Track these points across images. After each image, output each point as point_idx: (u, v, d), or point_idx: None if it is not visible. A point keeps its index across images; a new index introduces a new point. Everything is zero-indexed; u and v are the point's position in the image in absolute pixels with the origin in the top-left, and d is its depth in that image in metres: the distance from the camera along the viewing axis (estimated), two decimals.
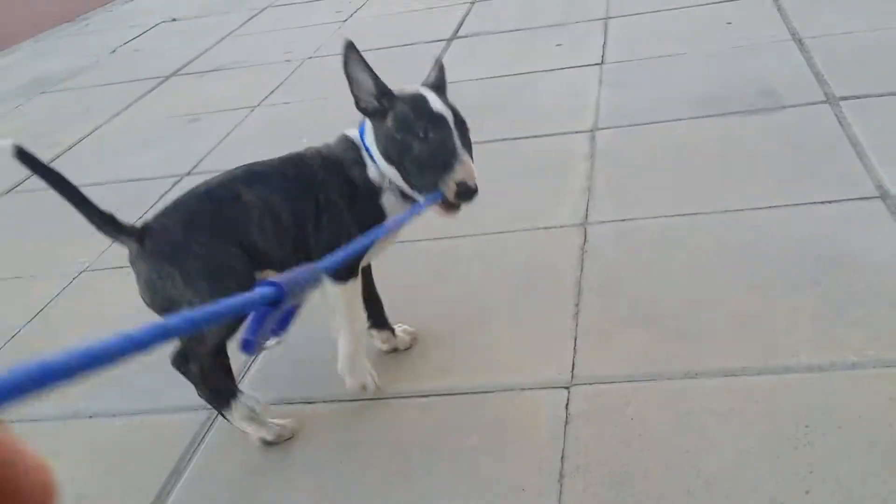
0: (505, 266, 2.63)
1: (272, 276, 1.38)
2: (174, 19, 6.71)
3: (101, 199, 3.69)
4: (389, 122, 1.86)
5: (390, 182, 1.94)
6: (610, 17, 4.73)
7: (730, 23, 4.29)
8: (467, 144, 1.86)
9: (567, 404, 2.00)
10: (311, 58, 5.07)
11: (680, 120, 3.36)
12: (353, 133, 2.01)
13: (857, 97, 3.19)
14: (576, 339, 2.22)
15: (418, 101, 1.85)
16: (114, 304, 2.86)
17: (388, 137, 1.88)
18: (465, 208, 1.83)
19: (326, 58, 5.02)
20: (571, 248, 2.64)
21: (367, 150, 1.95)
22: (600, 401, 1.99)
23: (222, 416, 2.05)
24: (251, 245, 1.93)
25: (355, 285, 2.02)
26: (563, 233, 2.74)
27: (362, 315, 2.10)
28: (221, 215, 1.94)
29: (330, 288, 1.97)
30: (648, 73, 3.87)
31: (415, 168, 1.84)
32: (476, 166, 1.83)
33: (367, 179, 1.95)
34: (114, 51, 6.12)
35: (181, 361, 2.00)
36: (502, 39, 4.78)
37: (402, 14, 5.67)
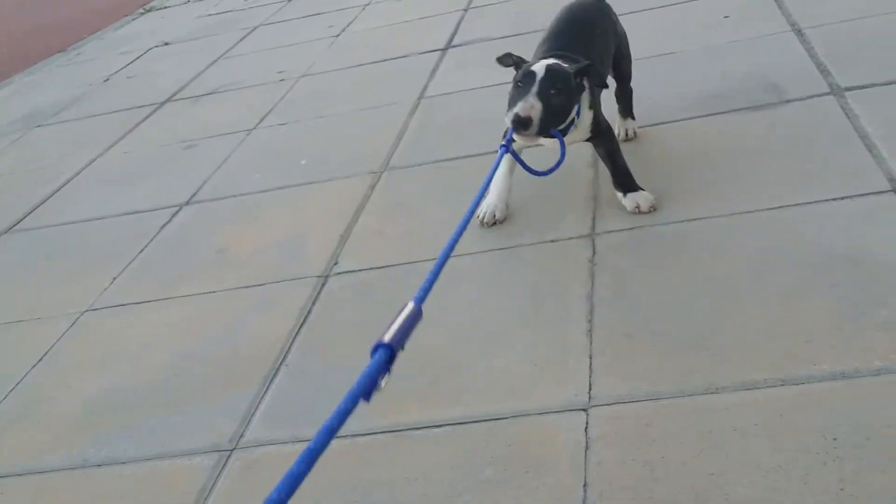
0: (512, 284, 2.57)
1: None
2: (166, 43, 6.68)
3: (101, 235, 3.65)
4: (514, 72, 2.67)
5: None
6: None
7: (727, 16, 4.22)
8: (547, 93, 2.49)
9: (586, 428, 1.94)
10: (305, 76, 5.02)
11: (682, 120, 3.30)
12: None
13: (863, 87, 3.12)
14: (591, 358, 2.16)
15: (527, 66, 2.59)
16: (118, 343, 2.82)
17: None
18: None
19: (321, 75, 4.98)
20: (580, 261, 2.58)
21: None
22: (620, 423, 1.93)
23: None
24: None
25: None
26: (570, 245, 2.68)
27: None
28: None
29: None
30: (647, 72, 3.80)
31: (509, 103, 2.55)
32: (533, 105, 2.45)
33: None
34: (107, 79, 6.09)
35: None
36: (498, 46, 4.71)
37: (395, 26, 5.62)
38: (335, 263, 2.92)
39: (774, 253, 2.36)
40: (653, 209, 2.72)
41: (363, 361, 2.33)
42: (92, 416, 2.48)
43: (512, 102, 2.53)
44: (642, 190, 2.76)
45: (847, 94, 3.10)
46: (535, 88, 2.48)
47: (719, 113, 3.25)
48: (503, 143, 2.53)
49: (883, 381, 1.84)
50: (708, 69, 3.67)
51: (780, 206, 2.56)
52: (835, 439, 1.73)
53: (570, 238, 2.71)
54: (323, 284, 2.82)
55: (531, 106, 2.46)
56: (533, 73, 2.52)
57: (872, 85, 3.12)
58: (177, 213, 3.61)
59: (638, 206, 2.73)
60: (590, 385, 2.07)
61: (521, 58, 2.68)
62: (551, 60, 2.59)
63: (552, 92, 2.50)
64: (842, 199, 2.52)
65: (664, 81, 3.67)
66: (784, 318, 2.11)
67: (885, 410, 1.77)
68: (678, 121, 3.29)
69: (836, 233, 2.38)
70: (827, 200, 2.53)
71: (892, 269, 2.18)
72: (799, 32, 3.75)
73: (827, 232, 2.39)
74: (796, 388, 1.88)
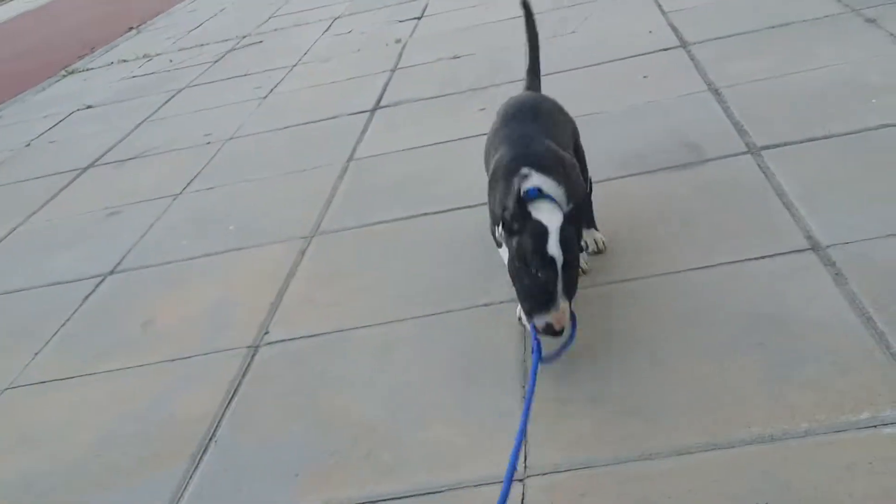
0: (446, 350, 2.56)
1: None
2: (89, 106, 6.57)
3: (22, 307, 3.53)
4: (514, 245, 2.23)
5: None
6: None
7: (646, 76, 4.35)
8: (570, 285, 2.19)
9: (523, 499, 1.93)
10: (232, 138, 4.98)
11: (607, 180, 3.35)
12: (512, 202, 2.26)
13: (778, 146, 3.23)
14: (526, 426, 2.15)
15: (539, 238, 2.16)
16: (38, 423, 2.71)
17: (511, 255, 2.27)
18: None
19: (249, 137, 4.95)
20: (513, 325, 2.58)
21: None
22: (556, 493, 1.92)
23: None
24: None
25: None
26: (502, 309, 2.68)
27: None
28: None
29: None
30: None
31: (520, 292, 2.24)
32: (566, 307, 2.18)
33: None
34: (28, 144, 5.95)
35: None
36: (427, 106, 4.77)
37: (324, 86, 5.64)
38: (265, 333, 2.87)
39: (702, 313, 2.40)
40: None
41: (295, 436, 2.30)
42: (7, 502, 2.37)
43: (531, 298, 2.17)
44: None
45: (763, 152, 3.21)
46: (560, 286, 2.14)
47: (643, 173, 3.32)
48: (534, 349, 2.18)
49: (810, 442, 1.87)
50: (631, 129, 3.76)
51: (705, 266, 2.61)
52: (767, 503, 1.75)
53: (501, 302, 2.72)
54: (253, 355, 2.77)
55: (562, 313, 2.15)
56: (553, 261, 2.13)
57: (787, 143, 3.23)
58: (100, 283, 3.51)
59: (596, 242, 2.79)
60: (525, 454, 2.05)
61: (522, 215, 2.20)
62: (556, 220, 2.19)
63: (571, 270, 2.20)
64: (763, 258, 2.58)
65: (589, 141, 3.73)
66: (714, 379, 2.14)
67: (814, 473, 1.79)
68: (604, 181, 3.34)
69: (760, 291, 2.44)
70: (749, 260, 2.59)
71: (813, 326, 2.23)
72: (716, 92, 3.89)
73: (751, 291, 2.45)
74: (728, 453, 1.90)
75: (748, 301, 2.40)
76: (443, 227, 3.31)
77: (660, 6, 5.49)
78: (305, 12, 8.31)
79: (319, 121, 4.91)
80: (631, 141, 3.64)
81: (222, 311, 3.08)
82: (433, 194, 3.60)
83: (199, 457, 2.36)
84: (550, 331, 2.15)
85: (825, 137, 3.21)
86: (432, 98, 4.85)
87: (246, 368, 2.70)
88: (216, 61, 7.12)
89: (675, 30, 4.95)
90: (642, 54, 4.69)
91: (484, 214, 3.29)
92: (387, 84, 5.32)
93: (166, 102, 6.15)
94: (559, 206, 2.27)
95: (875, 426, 1.87)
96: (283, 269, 3.25)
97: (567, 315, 2.18)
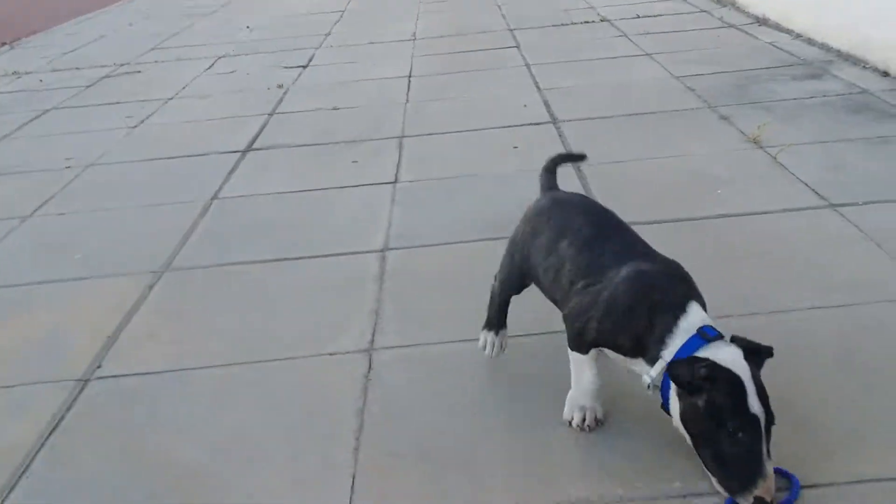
0: (284, 396, 2.51)
1: None
2: None
3: None
4: (701, 402, 1.80)
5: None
6: (405, 136, 4.84)
7: (516, 147, 4.50)
8: (769, 444, 1.80)
9: None
10: (93, 165, 4.81)
11: (471, 241, 3.42)
12: (680, 339, 1.89)
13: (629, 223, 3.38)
14: (354, 477, 2.13)
15: (736, 392, 1.77)
16: None
17: (693, 411, 1.83)
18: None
19: (111, 165, 4.79)
20: (356, 376, 2.57)
21: (665, 381, 1.90)
22: None
23: None
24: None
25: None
26: (347, 359, 2.67)
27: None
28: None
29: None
30: (441, 193, 3.96)
31: (712, 460, 1.82)
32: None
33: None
34: None
35: None
36: (300, 153, 4.76)
37: (198, 123, 5.55)
38: (98, 367, 2.74)
39: (535, 377, 2.46)
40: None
41: (114, 475, 2.19)
42: None
43: (734, 468, 1.78)
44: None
45: None
46: (765, 448, 1.78)
47: (506, 237, 3.38)
48: None
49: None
50: (498, 194, 3.86)
51: (546, 333, 2.68)
52: None
53: (347, 352, 2.70)
54: (82, 389, 2.64)
55: (771, 480, 1.78)
56: (757, 422, 1.77)
57: (635, 223, 3.36)
58: None
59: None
60: None
61: (710, 365, 1.79)
62: (742, 365, 1.82)
63: (772, 426, 1.82)
64: None
65: (457, 203, 3.81)
66: (544, 441, 2.19)
67: None
68: (469, 242, 3.40)
69: None
70: None
71: None
72: (577, 168, 4.05)
73: None
74: None
75: None
76: (301, 273, 3.28)
77: (536, 83, 5.71)
78: (190, 48, 8.20)
79: (188, 156, 4.81)
80: (498, 205, 3.72)
81: (55, 341, 2.93)
82: (295, 241, 3.57)
83: (7, 491, 2.22)
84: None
85: (672, 221, 3.39)
86: (307, 145, 4.85)
87: (72, 402, 2.57)
88: (89, 86, 6.90)
89: (547, 106, 5.16)
90: (516, 125, 4.85)
91: (336, 265, 3.30)
92: (263, 127, 5.28)
93: (30, 122, 5.90)
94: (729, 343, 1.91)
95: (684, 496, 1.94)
96: (127, 303, 3.13)
97: (773, 486, 1.79)
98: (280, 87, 6.25)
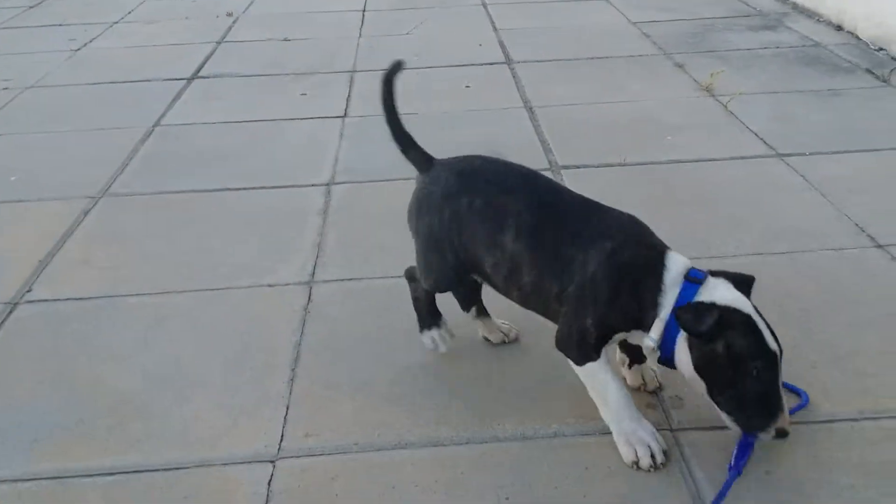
0: (222, 326, 2.47)
1: None
2: None
3: None
4: (720, 348, 1.72)
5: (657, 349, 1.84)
6: (356, 71, 4.75)
7: (468, 86, 4.43)
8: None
9: (270, 480, 1.87)
10: (33, 87, 4.63)
11: (408, 178, 3.35)
12: (672, 293, 1.80)
13: (577, 167, 3.37)
14: (288, 408, 2.11)
15: (753, 332, 1.72)
16: None
17: (710, 360, 1.74)
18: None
19: (52, 88, 4.62)
20: (295, 308, 2.53)
21: (669, 329, 1.79)
22: (306, 476, 1.88)
23: None
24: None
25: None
26: (287, 291, 2.63)
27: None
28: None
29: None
30: (387, 129, 3.88)
31: (733, 401, 1.75)
32: None
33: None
34: None
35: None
36: (247, 84, 4.64)
37: (143, 48, 5.37)
38: (28, 290, 2.66)
39: None
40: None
41: (42, 400, 2.13)
42: None
43: (759, 407, 1.74)
44: None
45: (563, 171, 3.33)
46: (780, 382, 1.76)
47: None
48: (736, 461, 1.83)
49: (556, 443, 1.94)
50: (443, 133, 3.80)
51: None
52: (507, 498, 1.79)
53: (287, 284, 2.66)
54: (10, 312, 2.56)
55: (786, 409, 1.78)
56: (776, 357, 1.74)
57: (584, 166, 3.38)
58: None
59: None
60: (282, 436, 2.01)
61: (721, 309, 1.72)
62: (745, 301, 1.79)
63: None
64: None
65: None
66: (475, 377, 2.18)
67: (555, 472, 1.86)
68: (409, 178, 3.35)
69: None
70: None
71: None
72: (530, 110, 4.01)
73: None
74: (479, 447, 1.94)
75: None
76: (241, 203, 3.21)
77: (493, 22, 5.63)
78: None
79: (131, 82, 4.65)
80: (443, 143, 3.64)
81: None
82: (236, 171, 3.49)
83: None
84: (784, 435, 1.76)
85: (620, 165, 3.39)
86: (255, 76, 4.73)
87: (0, 325, 2.50)
88: (32, 7, 6.63)
89: (503, 46, 5.09)
90: (469, 65, 4.78)
91: (280, 198, 3.24)
92: (210, 55, 5.13)
93: None
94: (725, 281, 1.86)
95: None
96: (61, 228, 3.04)
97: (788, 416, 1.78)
98: (229, 15, 6.07)
